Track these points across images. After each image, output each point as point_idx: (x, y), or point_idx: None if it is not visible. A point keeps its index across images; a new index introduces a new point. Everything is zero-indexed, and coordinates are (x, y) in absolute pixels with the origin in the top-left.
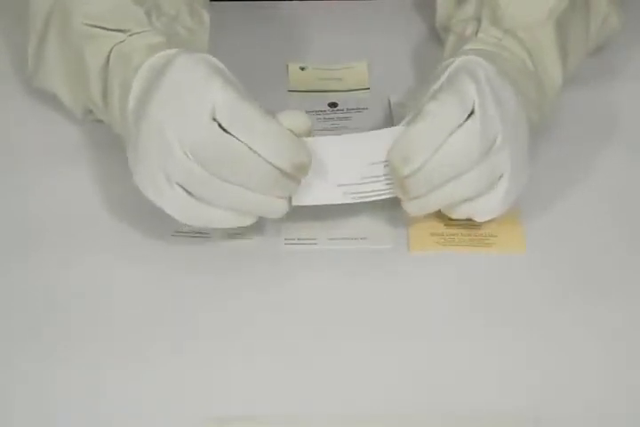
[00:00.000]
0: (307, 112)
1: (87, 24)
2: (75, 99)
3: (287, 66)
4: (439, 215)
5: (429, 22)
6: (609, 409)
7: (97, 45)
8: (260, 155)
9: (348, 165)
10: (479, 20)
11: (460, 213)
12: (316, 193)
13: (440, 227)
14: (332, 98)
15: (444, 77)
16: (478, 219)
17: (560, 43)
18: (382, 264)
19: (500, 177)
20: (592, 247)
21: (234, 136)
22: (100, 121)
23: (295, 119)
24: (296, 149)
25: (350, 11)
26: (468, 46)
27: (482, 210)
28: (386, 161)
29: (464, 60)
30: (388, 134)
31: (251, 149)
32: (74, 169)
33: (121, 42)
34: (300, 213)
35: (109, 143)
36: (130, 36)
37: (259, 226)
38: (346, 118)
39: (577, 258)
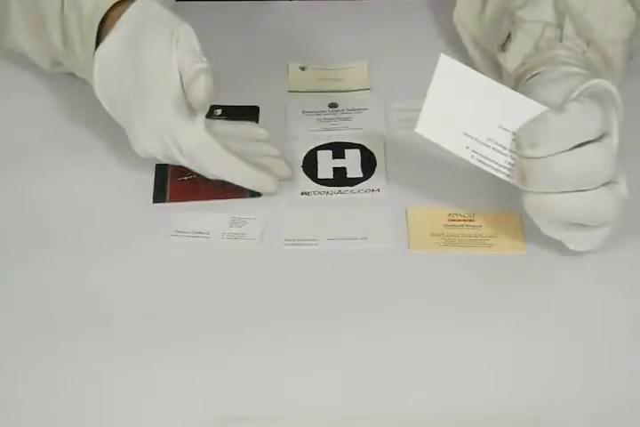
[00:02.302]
0: (307, 112)
1: None
2: (40, 50)
3: (287, 66)
4: (439, 215)
5: (430, 22)
6: (609, 409)
7: None
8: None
9: (482, 115)
10: (560, 27)
11: (563, 236)
12: (441, 131)
13: (440, 227)
14: (332, 98)
15: (582, 86)
16: (574, 248)
17: (626, 61)
18: (382, 264)
19: (608, 220)
20: None
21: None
22: (71, 74)
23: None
24: (262, 178)
25: (350, 11)
26: (560, 52)
27: (585, 241)
28: (514, 133)
29: (603, 82)
30: (531, 107)
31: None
32: (73, 168)
33: None
34: (300, 214)
35: (108, 143)
36: None
37: (259, 226)
38: (346, 118)
39: (576, 258)
